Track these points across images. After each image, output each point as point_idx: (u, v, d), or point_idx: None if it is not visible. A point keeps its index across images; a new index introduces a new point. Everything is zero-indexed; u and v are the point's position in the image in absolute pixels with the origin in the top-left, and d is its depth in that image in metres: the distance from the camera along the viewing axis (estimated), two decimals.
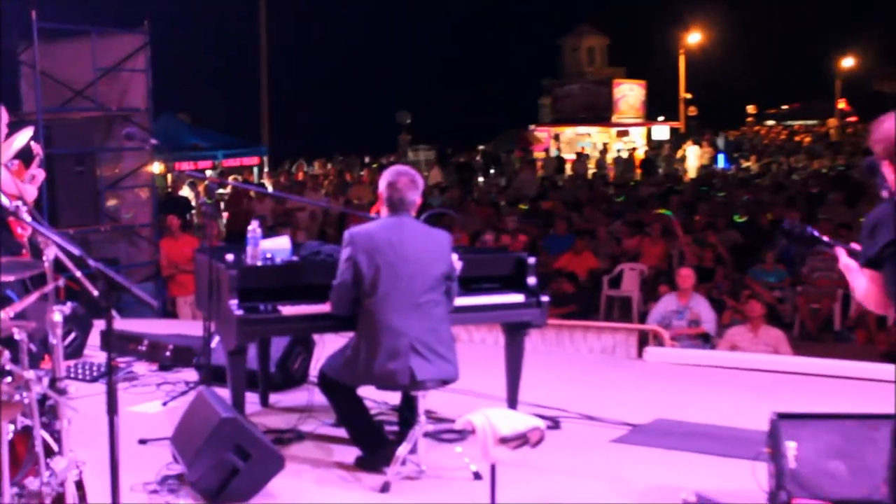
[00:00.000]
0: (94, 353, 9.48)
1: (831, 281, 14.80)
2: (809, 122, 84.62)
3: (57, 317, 4.51)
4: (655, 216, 19.69)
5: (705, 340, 11.70)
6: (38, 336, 5.11)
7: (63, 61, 13.84)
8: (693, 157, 46.19)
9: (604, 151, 49.32)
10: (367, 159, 48.38)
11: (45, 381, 4.53)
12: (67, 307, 4.67)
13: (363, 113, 72.75)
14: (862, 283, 4.61)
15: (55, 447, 4.60)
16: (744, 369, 9.80)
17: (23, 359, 4.55)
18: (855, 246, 4.76)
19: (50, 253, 4.67)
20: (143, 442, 7.10)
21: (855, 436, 5.74)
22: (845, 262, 4.75)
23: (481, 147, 56.43)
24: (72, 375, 8.54)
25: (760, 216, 20.21)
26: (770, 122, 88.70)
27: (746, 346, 11.17)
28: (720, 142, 53.33)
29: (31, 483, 4.49)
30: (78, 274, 4.52)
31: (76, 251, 4.51)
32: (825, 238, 5.04)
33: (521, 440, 4.08)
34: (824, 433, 5.81)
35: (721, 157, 47.41)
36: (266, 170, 34.80)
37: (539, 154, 53.06)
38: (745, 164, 46.62)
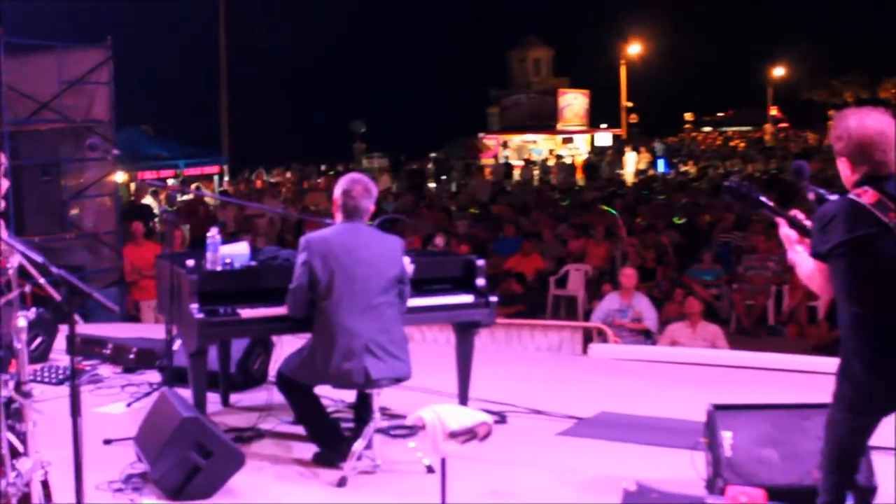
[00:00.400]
0: (60, 356, 9.38)
1: (765, 279, 14.95)
2: (743, 129, 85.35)
3: (21, 322, 4.47)
4: (599, 217, 19.79)
5: (647, 336, 11.77)
6: (3, 341, 5.06)
7: (29, 75, 13.70)
8: (631, 162, 46.56)
9: (555, 159, 49.31)
10: (323, 167, 48.22)
11: (11, 384, 4.49)
12: (32, 312, 4.62)
13: (320, 123, 72.74)
14: (807, 264, 4.61)
15: (21, 448, 4.55)
16: (683, 363, 9.85)
17: None
18: (797, 214, 4.76)
19: (14, 260, 4.63)
20: (107, 442, 7.03)
21: (786, 425, 5.78)
22: (785, 232, 4.76)
23: (433, 154, 56.40)
24: (38, 379, 8.44)
25: (698, 218, 20.36)
26: (707, 129, 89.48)
27: (685, 342, 11.23)
28: (658, 147, 53.70)
29: None
30: (41, 280, 4.48)
31: (39, 258, 4.48)
32: (768, 202, 4.93)
33: (470, 434, 4.08)
34: (758, 423, 5.84)
35: (661, 162, 47.68)
36: (226, 178, 34.61)
37: (488, 160, 53.11)
38: (683, 169, 46.89)
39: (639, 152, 49.19)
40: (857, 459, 4.66)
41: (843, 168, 4.55)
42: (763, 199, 4.92)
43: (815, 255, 4.49)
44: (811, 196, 4.71)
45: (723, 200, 21.67)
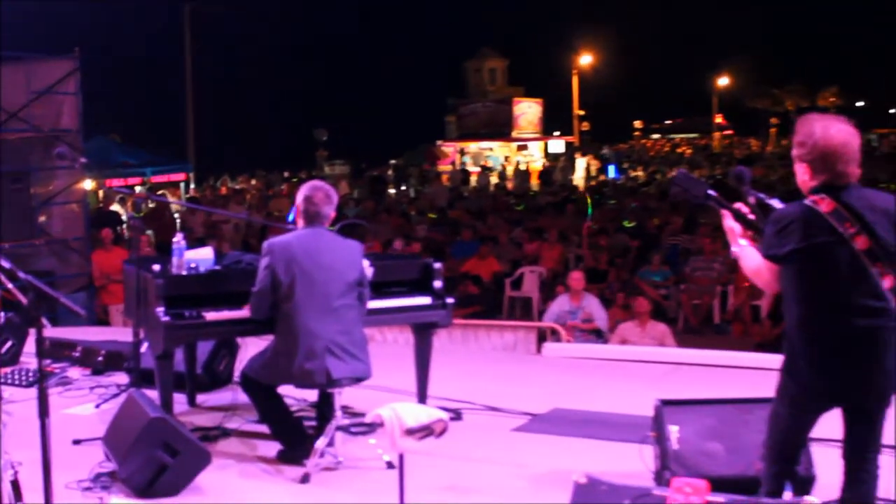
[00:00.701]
0: (30, 359, 9.29)
1: (711, 279, 15.04)
2: (690, 136, 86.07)
3: None
4: (558, 220, 19.85)
5: (598, 336, 11.81)
6: None
7: None
8: (580, 168, 46.83)
9: (512, 165, 49.49)
10: (286, 174, 48.16)
11: None
12: (1, 317, 4.59)
13: (283, 131, 72.59)
14: (753, 259, 4.62)
15: None
16: (633, 361, 9.89)
17: None
18: (741, 207, 4.77)
19: None
20: (77, 442, 6.98)
21: (730, 419, 5.83)
22: (730, 225, 4.77)
23: (392, 161, 56.46)
24: (8, 381, 8.39)
25: (647, 221, 20.47)
26: (655, 136, 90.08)
27: (635, 340, 11.27)
28: (607, 153, 54.07)
29: None
30: (10, 286, 4.46)
31: (6, 264, 4.46)
32: (714, 194, 4.96)
33: (426, 431, 4.10)
34: (703, 417, 5.88)
35: (612, 168, 47.97)
36: (192, 185, 34.48)
37: (446, 167, 53.18)
38: (633, 174, 47.16)
39: (587, 159, 49.60)
40: (798, 451, 4.71)
41: (802, 173, 4.54)
42: (710, 191, 4.96)
43: (769, 256, 4.50)
44: (751, 200, 4.75)
45: (671, 204, 21.88)
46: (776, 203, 4.73)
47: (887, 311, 4.34)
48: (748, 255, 4.67)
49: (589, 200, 21.09)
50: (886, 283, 4.33)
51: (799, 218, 4.40)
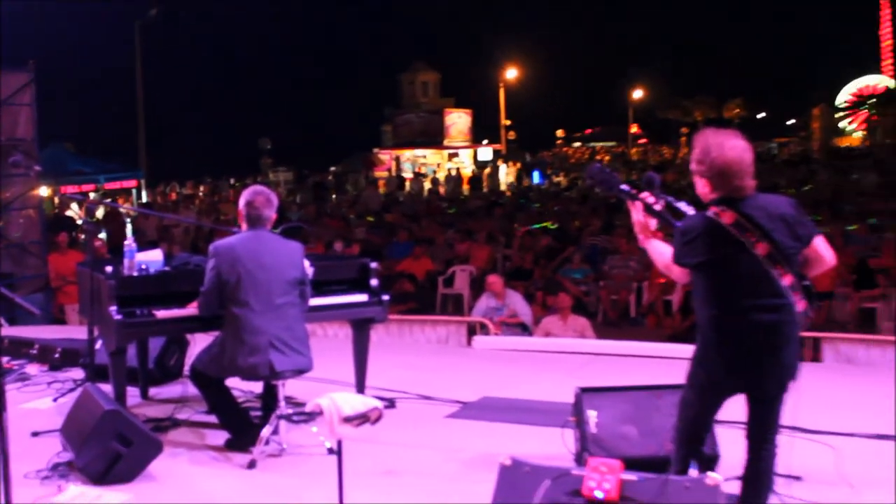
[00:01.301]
0: None
1: (627, 276, 15.19)
2: (608, 144, 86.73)
3: None
4: (486, 222, 19.91)
5: (523, 329, 11.86)
6: None
7: None
8: (503, 174, 47.11)
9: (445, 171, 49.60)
10: (232, 181, 47.79)
11: None
12: None
13: (229, 139, 72.24)
14: (664, 253, 4.67)
15: None
16: (555, 352, 9.97)
17: None
18: (651, 200, 4.81)
19: None
20: (35, 434, 6.92)
21: (644, 404, 5.90)
22: (638, 218, 4.82)
23: (333, 168, 56.26)
24: None
25: (569, 223, 20.61)
26: (576, 144, 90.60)
27: (558, 333, 11.33)
28: (528, 160, 54.47)
29: None
30: None
31: None
32: (625, 187, 5.00)
33: (363, 419, 4.11)
34: (619, 403, 5.95)
35: (536, 174, 48.23)
36: (143, 191, 34.16)
37: (382, 173, 53.16)
38: (556, 180, 47.43)
39: (509, 165, 49.97)
40: (705, 434, 4.80)
41: (702, 186, 4.58)
42: (622, 185, 5.02)
43: (679, 264, 4.58)
44: (661, 202, 4.82)
45: (591, 207, 22.06)
46: (684, 206, 4.81)
47: (787, 307, 4.43)
48: (658, 250, 4.74)
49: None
50: (786, 281, 4.42)
51: (704, 231, 4.47)
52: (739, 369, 4.53)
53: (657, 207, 4.79)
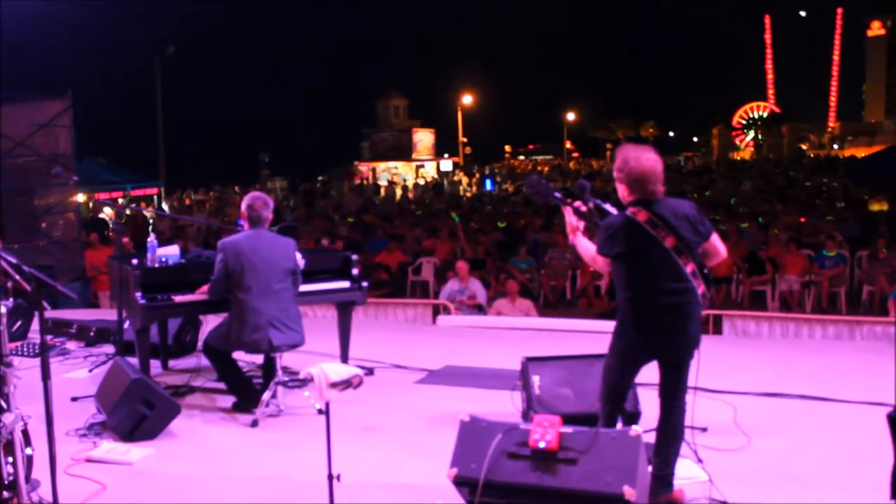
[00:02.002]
0: (36, 335, 9.08)
1: (564, 265, 15.24)
2: (547, 157, 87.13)
3: (2, 310, 4.34)
4: (445, 222, 19.89)
5: (479, 310, 11.86)
6: None
7: (6, 120, 13.31)
8: (464, 182, 47.37)
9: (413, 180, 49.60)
10: (237, 188, 47.47)
11: None
12: (10, 302, 4.46)
13: (234, 153, 71.97)
14: (590, 248, 4.68)
15: (5, 406, 4.41)
16: (505, 328, 9.97)
17: None
18: (579, 205, 4.82)
19: None
20: (74, 399, 6.86)
21: (578, 370, 5.91)
22: (570, 220, 4.83)
23: (320, 177, 56.00)
24: (19, 353, 8.18)
25: (516, 223, 20.63)
26: (521, 157, 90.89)
27: (507, 312, 11.36)
28: (475, 170, 54.88)
29: None
30: (17, 277, 4.34)
31: (14, 260, 4.35)
32: (558, 194, 5.01)
33: (346, 384, 4.08)
34: (558, 369, 5.96)
35: (488, 182, 48.37)
36: (163, 197, 33.91)
37: (361, 182, 53.11)
38: (505, 187, 47.48)
39: (465, 175, 50.34)
40: (625, 394, 4.81)
41: (622, 191, 4.63)
42: (556, 193, 5.04)
43: (602, 255, 4.60)
44: (591, 205, 4.83)
45: (533, 209, 22.09)
46: (610, 207, 4.83)
47: (691, 290, 4.47)
48: (584, 245, 4.76)
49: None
50: (689, 268, 4.47)
51: (623, 227, 4.51)
52: (651, 341, 4.56)
53: (584, 211, 4.81)
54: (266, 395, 6.37)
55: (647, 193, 4.51)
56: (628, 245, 4.47)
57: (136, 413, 5.92)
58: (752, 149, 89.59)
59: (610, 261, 4.60)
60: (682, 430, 4.67)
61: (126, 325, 7.72)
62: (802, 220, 19.20)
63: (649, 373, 4.74)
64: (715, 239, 4.67)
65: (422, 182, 48.47)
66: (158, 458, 5.65)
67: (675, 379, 4.61)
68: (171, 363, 8.17)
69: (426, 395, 7.04)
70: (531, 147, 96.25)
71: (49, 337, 9.02)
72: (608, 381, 4.72)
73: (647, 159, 4.55)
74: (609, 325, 4.86)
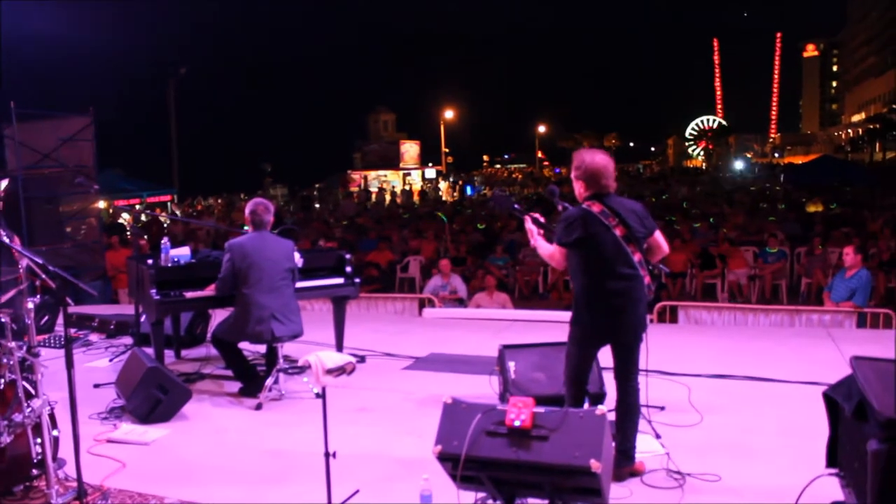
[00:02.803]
0: (62, 329, 9.01)
1: (536, 263, 15.22)
2: (521, 166, 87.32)
3: (30, 305, 4.32)
4: (432, 224, 19.85)
5: (460, 303, 11.86)
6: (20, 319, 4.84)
7: (35, 134, 13.23)
8: (443, 188, 47.39)
9: (401, 186, 49.50)
10: (242, 195, 47.27)
11: (24, 348, 4.35)
12: (37, 298, 4.45)
13: (240, 164, 71.89)
14: (547, 248, 4.70)
15: (33, 392, 4.39)
16: (484, 319, 9.96)
17: (7, 335, 4.36)
18: (537, 216, 4.91)
19: (23, 262, 4.48)
20: (96, 386, 6.81)
21: (549, 356, 5.89)
22: (529, 226, 4.89)
23: (317, 185, 55.83)
24: (46, 345, 8.12)
25: (493, 224, 20.62)
26: (497, 166, 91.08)
27: (486, 305, 11.36)
28: (462, 177, 54.89)
29: (17, 417, 4.34)
30: (43, 275, 4.32)
31: (39, 260, 4.33)
32: (517, 206, 5.15)
33: (341, 371, 4.06)
34: (531, 356, 5.96)
35: (468, 188, 48.41)
36: (176, 203, 33.75)
37: (354, 189, 53.02)
38: (483, 192, 47.54)
39: (446, 182, 50.36)
40: (586, 376, 4.77)
41: (579, 187, 4.67)
42: (515, 205, 5.20)
43: (560, 243, 4.59)
44: (560, 207, 4.84)
45: (508, 212, 22.04)
46: (576, 208, 4.84)
47: (638, 277, 4.51)
48: (543, 246, 4.77)
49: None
50: (636, 257, 4.52)
51: (580, 217, 4.54)
52: (604, 324, 4.56)
53: (540, 220, 4.88)
54: (269, 381, 6.34)
55: (601, 187, 4.57)
56: (584, 232, 4.48)
57: (152, 398, 5.89)
58: (703, 157, 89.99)
59: (566, 253, 4.60)
60: (639, 407, 4.67)
61: (142, 318, 7.66)
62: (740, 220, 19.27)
63: (609, 358, 4.74)
64: (658, 235, 4.74)
65: (408, 188, 48.45)
66: (172, 437, 5.61)
67: (626, 360, 4.61)
68: (184, 353, 8.12)
69: (413, 380, 7.02)
70: (507, 157, 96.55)
71: (73, 330, 8.96)
72: (569, 366, 4.73)
73: (600, 158, 4.65)
74: None
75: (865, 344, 7.57)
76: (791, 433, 5.36)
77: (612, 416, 4.46)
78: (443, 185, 48.89)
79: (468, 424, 4.19)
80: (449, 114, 66.54)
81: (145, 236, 18.03)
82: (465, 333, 9.04)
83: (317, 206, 39.06)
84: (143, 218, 22.30)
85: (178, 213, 30.83)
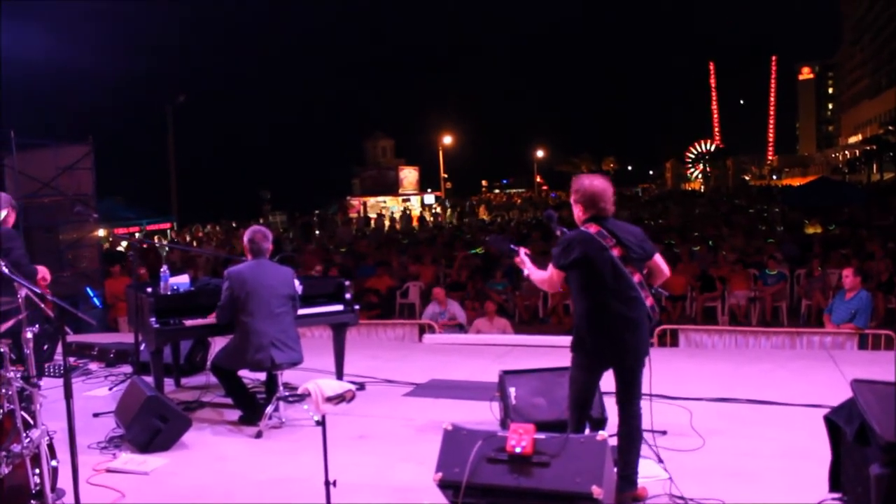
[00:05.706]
0: (62, 357, 9.00)
1: (536, 288, 15.13)
2: (520, 190, 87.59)
3: (29, 335, 4.30)
4: (430, 249, 19.82)
5: (460, 328, 11.83)
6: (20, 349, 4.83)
7: (34, 163, 13.30)
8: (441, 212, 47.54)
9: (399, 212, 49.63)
10: (234, 223, 47.34)
11: (22, 378, 4.33)
12: (36, 328, 4.43)
13: (238, 192, 72.07)
14: (540, 275, 4.76)
15: (31, 422, 4.37)
16: (484, 345, 9.93)
17: (5, 364, 4.34)
18: (526, 250, 5.03)
19: (22, 292, 4.46)
20: (96, 415, 6.78)
21: (550, 381, 5.89)
22: (520, 259, 5.00)
23: (316, 211, 55.95)
24: (46, 373, 8.09)
25: (492, 249, 20.59)
26: (496, 191, 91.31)
27: (486, 330, 11.32)
28: (462, 203, 55.12)
29: (15, 447, 4.28)
30: (41, 304, 4.31)
31: (38, 290, 4.32)
32: (512, 246, 5.23)
33: (340, 398, 4.05)
34: (532, 381, 5.94)
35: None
36: (175, 231, 33.78)
37: (353, 215, 53.16)
38: (482, 217, 47.58)
39: (442, 207, 50.59)
40: (590, 401, 4.75)
41: (577, 210, 4.70)
42: (511, 245, 5.29)
43: (558, 265, 4.60)
44: (558, 232, 4.85)
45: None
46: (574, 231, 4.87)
47: (639, 299, 4.50)
48: (537, 274, 4.83)
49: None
50: (636, 278, 4.52)
51: (577, 239, 4.56)
52: (606, 348, 4.54)
53: (531, 256, 5.02)
54: (269, 409, 6.32)
55: (599, 210, 4.60)
56: (582, 252, 4.49)
57: (151, 427, 5.86)
58: (701, 180, 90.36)
59: (565, 276, 4.61)
60: (641, 432, 4.65)
61: (142, 347, 7.65)
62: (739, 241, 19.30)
63: (611, 383, 4.73)
64: (658, 258, 4.74)
65: (408, 213, 48.53)
66: (172, 467, 5.58)
67: (629, 384, 4.59)
68: (183, 381, 8.09)
69: (413, 407, 6.99)
70: (505, 181, 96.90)
71: (72, 358, 8.94)
72: (573, 391, 4.70)
73: (599, 182, 4.69)
74: None
75: (867, 366, 7.56)
76: (793, 456, 5.33)
77: (613, 441, 4.44)
78: (438, 209, 49.06)
79: (469, 451, 4.18)
80: (447, 139, 66.83)
81: (144, 264, 18.07)
82: (465, 359, 9.01)
83: (316, 232, 39.12)
84: (143, 246, 22.31)
85: (178, 240, 30.86)
